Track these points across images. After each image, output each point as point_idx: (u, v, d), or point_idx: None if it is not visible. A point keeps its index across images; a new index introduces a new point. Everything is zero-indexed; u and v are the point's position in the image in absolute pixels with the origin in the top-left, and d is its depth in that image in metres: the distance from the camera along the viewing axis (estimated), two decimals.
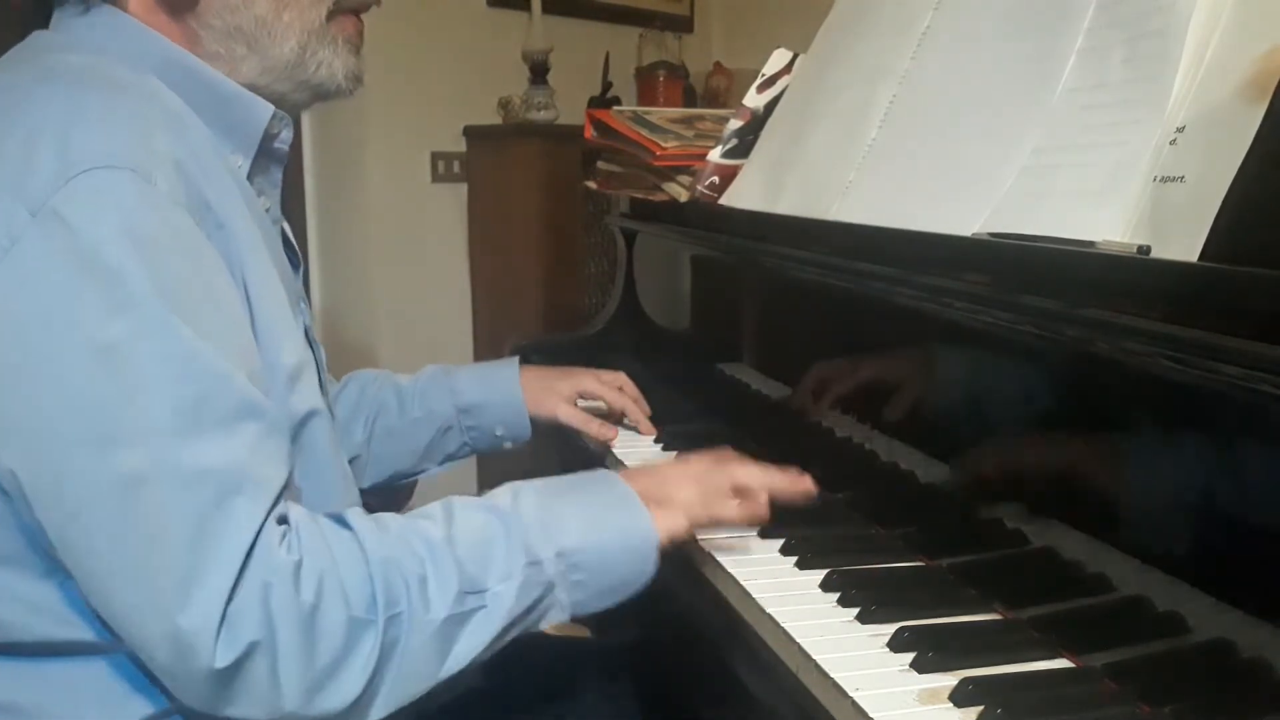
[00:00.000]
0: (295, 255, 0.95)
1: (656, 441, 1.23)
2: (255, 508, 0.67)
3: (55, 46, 0.80)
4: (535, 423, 1.21)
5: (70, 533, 0.66)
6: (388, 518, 0.75)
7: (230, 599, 0.64)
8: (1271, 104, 0.64)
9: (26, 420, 0.66)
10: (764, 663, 0.76)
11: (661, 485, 0.84)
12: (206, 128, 0.81)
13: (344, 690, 0.68)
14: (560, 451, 1.33)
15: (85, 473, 0.65)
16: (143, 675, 0.73)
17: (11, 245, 0.66)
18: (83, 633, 0.71)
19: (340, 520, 0.73)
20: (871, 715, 0.64)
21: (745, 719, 0.80)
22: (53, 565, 0.70)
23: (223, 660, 0.64)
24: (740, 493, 0.88)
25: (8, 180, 0.67)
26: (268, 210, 0.88)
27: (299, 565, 0.67)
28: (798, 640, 0.74)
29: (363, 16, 0.89)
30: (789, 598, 0.80)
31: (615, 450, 1.21)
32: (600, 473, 0.87)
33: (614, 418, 1.25)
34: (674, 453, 1.17)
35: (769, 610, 0.78)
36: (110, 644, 0.71)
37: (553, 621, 0.78)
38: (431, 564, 0.72)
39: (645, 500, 0.81)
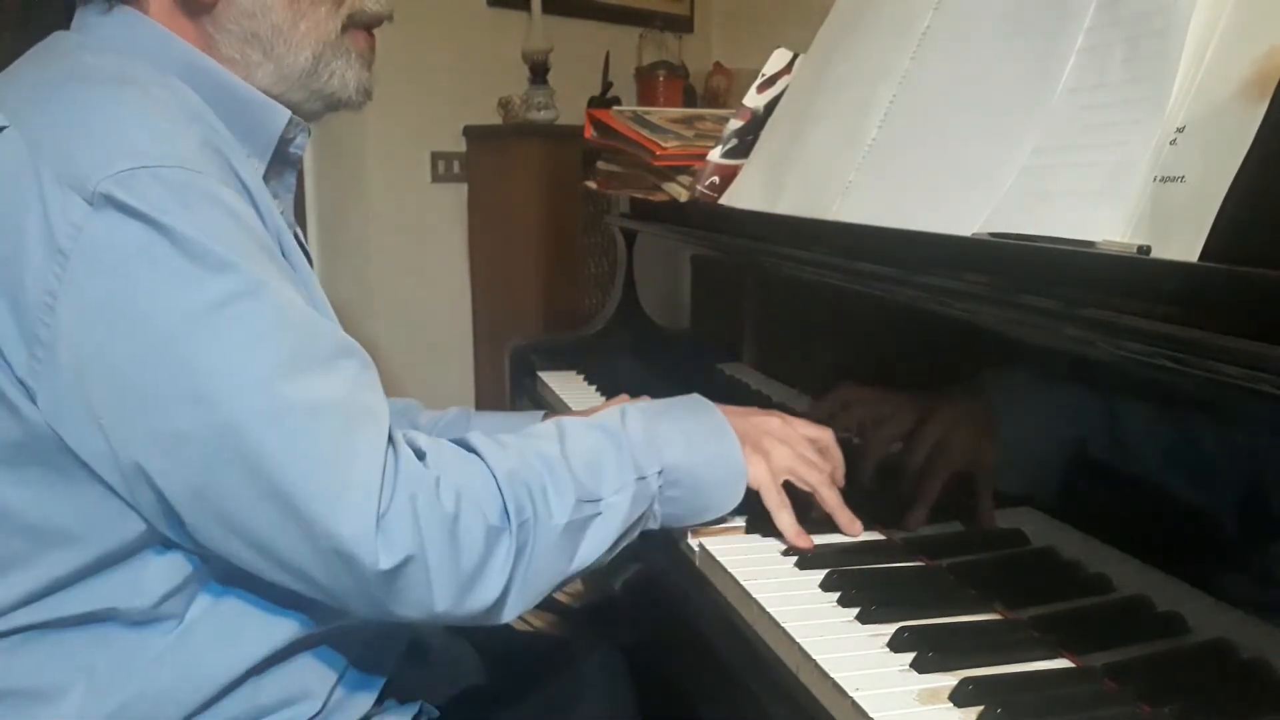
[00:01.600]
0: (308, 257, 0.95)
1: None
2: (379, 431, 0.72)
3: (82, 46, 0.80)
4: None
5: (210, 493, 0.69)
6: (506, 438, 0.81)
7: (380, 508, 0.69)
8: (1271, 104, 0.64)
9: (143, 401, 0.68)
10: (764, 662, 0.76)
11: (754, 430, 0.92)
12: (226, 129, 0.82)
13: (487, 591, 0.74)
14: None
15: (217, 429, 0.68)
16: (153, 653, 0.75)
17: (78, 233, 0.67)
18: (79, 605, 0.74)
19: (464, 444, 0.79)
20: (871, 715, 0.64)
21: (745, 719, 0.80)
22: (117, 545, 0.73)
23: (386, 563, 0.69)
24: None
25: (58, 173, 0.68)
26: (282, 213, 0.89)
27: (438, 480, 0.72)
28: (798, 640, 0.74)
29: (374, 31, 0.90)
30: (789, 598, 0.80)
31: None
32: (697, 399, 0.94)
33: None
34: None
35: (769, 610, 0.78)
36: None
37: (650, 526, 0.87)
38: (550, 476, 0.78)
39: (740, 438, 0.89)
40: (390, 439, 0.72)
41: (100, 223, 0.67)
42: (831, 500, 0.92)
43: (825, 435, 0.96)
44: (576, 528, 0.79)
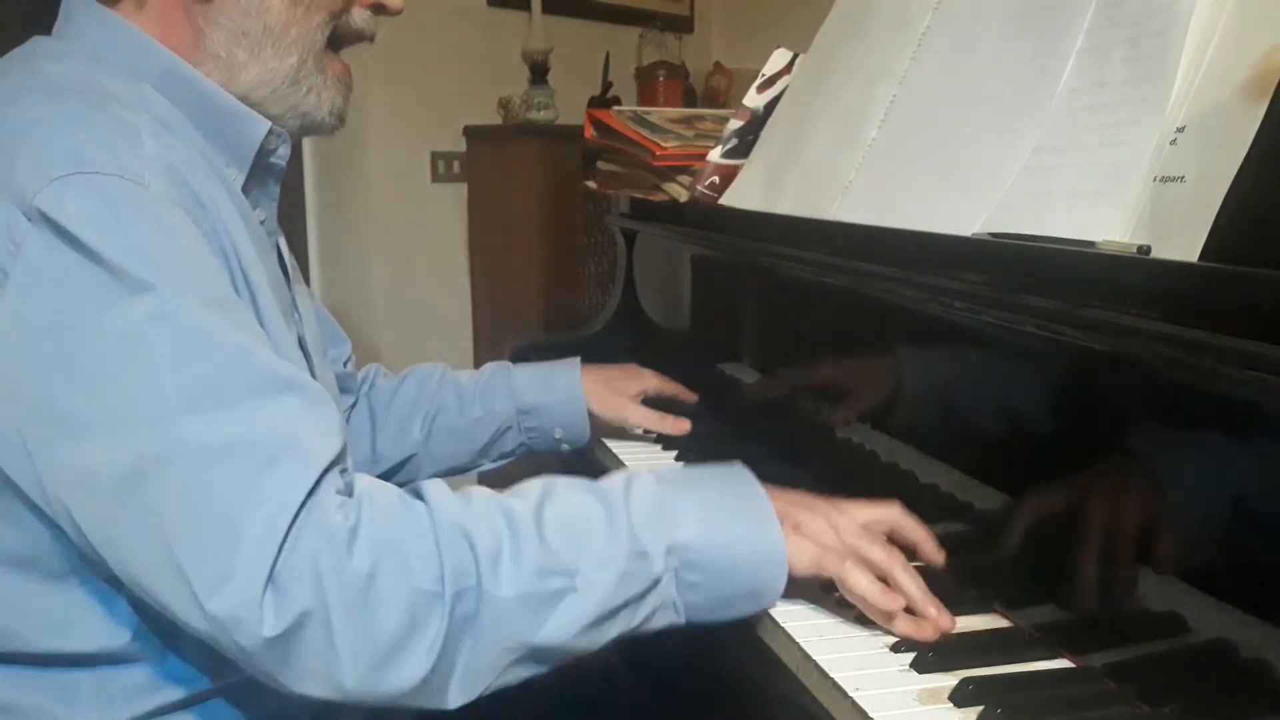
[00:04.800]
0: (287, 269, 0.95)
1: (668, 449, 1.21)
2: (302, 474, 0.65)
3: (50, 55, 0.80)
4: (601, 423, 1.21)
5: (113, 534, 0.66)
6: (475, 491, 0.73)
7: (274, 565, 0.62)
8: (1271, 104, 0.64)
9: (59, 431, 0.66)
10: (764, 662, 0.76)
11: (800, 510, 0.77)
12: (204, 139, 0.81)
13: (412, 667, 0.65)
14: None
15: (119, 465, 0.64)
16: (138, 676, 0.74)
17: (16, 251, 0.66)
18: (85, 644, 0.72)
19: (415, 491, 0.71)
20: (871, 715, 0.64)
21: (745, 718, 0.80)
22: (65, 572, 0.70)
23: (272, 628, 0.62)
24: (876, 568, 0.76)
25: (4, 187, 0.67)
26: (263, 222, 0.89)
27: (354, 532, 0.65)
28: (798, 640, 0.74)
29: (354, 48, 0.91)
30: (789, 598, 0.80)
31: (618, 454, 1.20)
32: (738, 469, 0.79)
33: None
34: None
35: (769, 610, 0.78)
36: (109, 654, 0.72)
37: (664, 623, 0.73)
38: (510, 539, 0.68)
39: (780, 516, 0.75)
40: (316, 483, 0.65)
41: (35, 241, 0.66)
42: (908, 585, 0.74)
43: (891, 514, 0.80)
44: (538, 602, 0.68)
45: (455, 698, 0.67)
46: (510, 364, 1.22)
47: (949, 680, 0.67)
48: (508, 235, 2.81)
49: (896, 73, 1.06)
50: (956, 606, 0.78)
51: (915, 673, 0.69)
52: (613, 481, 0.76)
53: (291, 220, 2.63)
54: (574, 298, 2.78)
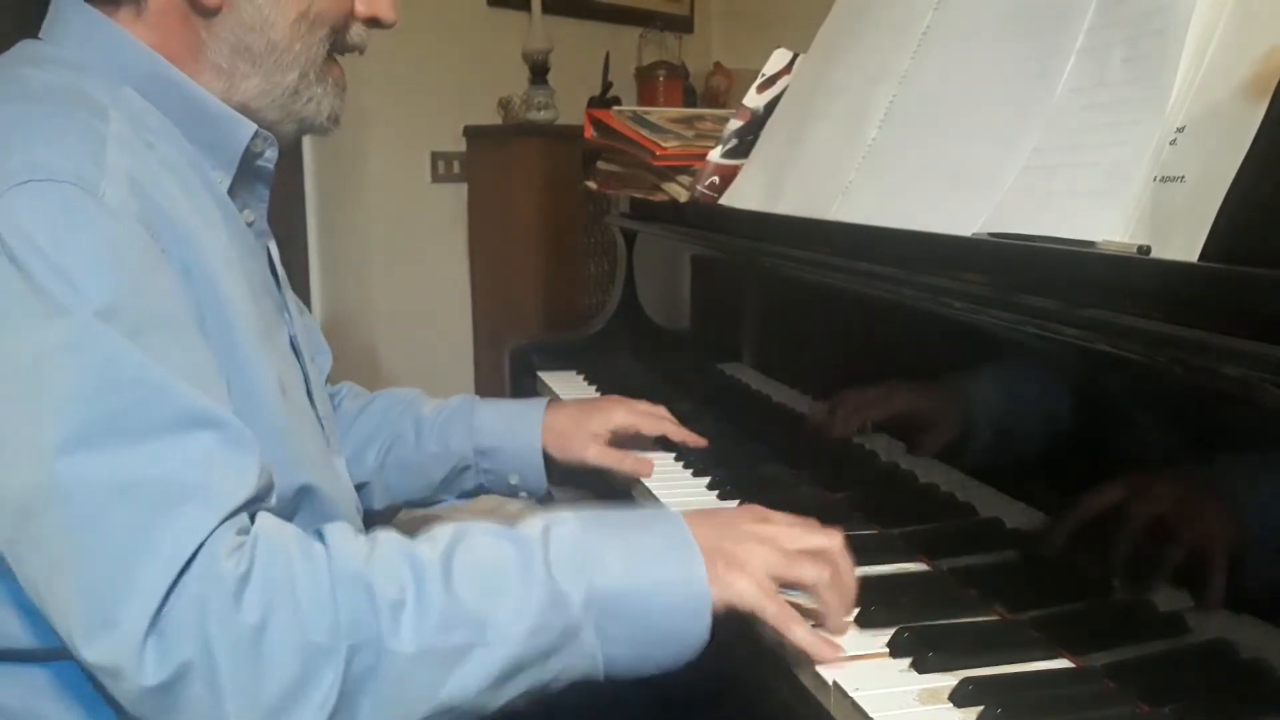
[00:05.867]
0: (276, 271, 0.95)
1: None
2: (202, 518, 0.62)
3: (34, 59, 0.79)
4: (562, 467, 1.13)
5: (11, 545, 0.65)
6: (382, 537, 0.69)
7: (159, 611, 0.60)
8: (1271, 104, 0.64)
9: None
10: (763, 662, 0.76)
11: (724, 538, 0.73)
12: (188, 142, 0.81)
13: None
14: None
15: (16, 491, 0.63)
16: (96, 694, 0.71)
17: None
18: (39, 641, 0.70)
19: (317, 535, 0.68)
20: (871, 715, 0.64)
21: (745, 718, 0.80)
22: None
23: (153, 678, 0.60)
24: (819, 557, 0.75)
25: None
26: (251, 224, 0.89)
27: (244, 579, 0.62)
28: None
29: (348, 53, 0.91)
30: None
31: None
32: (663, 513, 0.78)
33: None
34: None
35: None
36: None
37: (579, 675, 0.69)
38: (414, 589, 0.65)
39: (707, 553, 0.71)
40: (215, 528, 0.62)
41: None
42: (833, 604, 0.74)
43: (832, 543, 0.76)
44: (442, 658, 0.64)
45: None
46: (477, 399, 1.16)
47: (949, 680, 0.67)
48: (508, 235, 2.81)
49: (896, 73, 1.06)
50: (957, 606, 0.78)
51: (915, 673, 0.69)
52: (532, 525, 0.72)
53: (291, 221, 2.64)
54: (574, 298, 2.78)
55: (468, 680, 0.65)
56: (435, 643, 0.64)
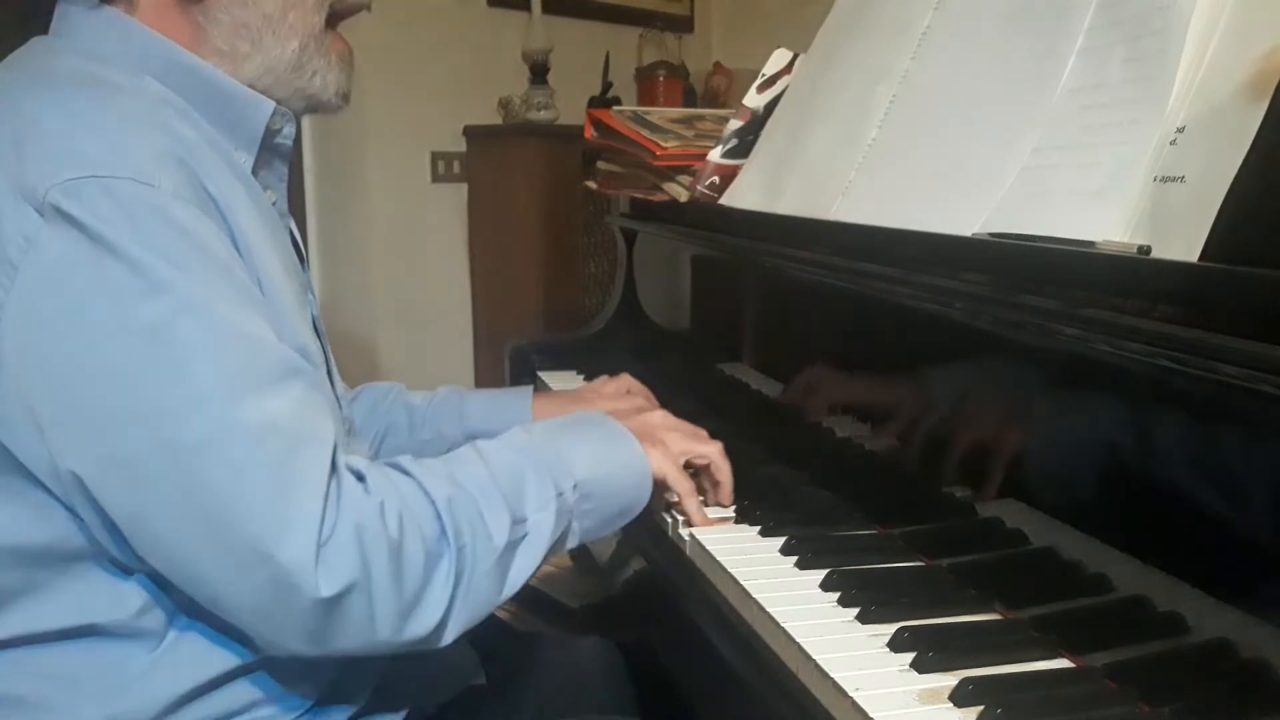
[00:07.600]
0: (300, 250, 0.95)
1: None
2: (321, 455, 0.70)
3: (51, 51, 0.80)
4: None
5: (147, 514, 0.69)
6: (432, 463, 0.80)
7: (322, 536, 0.68)
8: (1271, 104, 0.64)
9: (81, 417, 0.68)
10: (764, 662, 0.76)
11: (644, 426, 0.95)
12: (209, 125, 0.82)
13: (428, 616, 0.73)
14: None
15: (155, 450, 0.67)
16: (141, 665, 0.74)
17: (28, 245, 0.67)
18: (91, 629, 0.74)
19: (399, 467, 0.78)
20: (871, 715, 0.64)
21: (744, 718, 0.80)
22: (75, 558, 0.73)
23: (327, 590, 0.68)
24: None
25: (12, 183, 0.68)
26: (274, 204, 0.89)
27: (383, 505, 0.71)
28: (798, 640, 0.73)
29: (357, 24, 0.91)
30: (789, 598, 0.80)
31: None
32: (594, 413, 0.96)
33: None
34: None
35: (769, 610, 0.78)
36: (113, 641, 0.74)
37: (568, 546, 0.86)
38: (484, 498, 0.78)
39: (636, 436, 0.91)
40: (334, 463, 0.71)
41: (49, 236, 0.67)
42: (725, 471, 0.97)
43: (702, 432, 0.99)
44: (510, 549, 0.78)
45: (449, 636, 0.76)
46: (463, 389, 1.22)
47: (949, 680, 0.67)
48: (508, 235, 2.81)
49: (896, 73, 1.06)
50: (957, 606, 0.78)
51: (915, 673, 0.69)
52: (517, 436, 0.87)
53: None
54: (574, 298, 2.78)
55: (525, 564, 0.80)
56: (510, 537, 0.78)
